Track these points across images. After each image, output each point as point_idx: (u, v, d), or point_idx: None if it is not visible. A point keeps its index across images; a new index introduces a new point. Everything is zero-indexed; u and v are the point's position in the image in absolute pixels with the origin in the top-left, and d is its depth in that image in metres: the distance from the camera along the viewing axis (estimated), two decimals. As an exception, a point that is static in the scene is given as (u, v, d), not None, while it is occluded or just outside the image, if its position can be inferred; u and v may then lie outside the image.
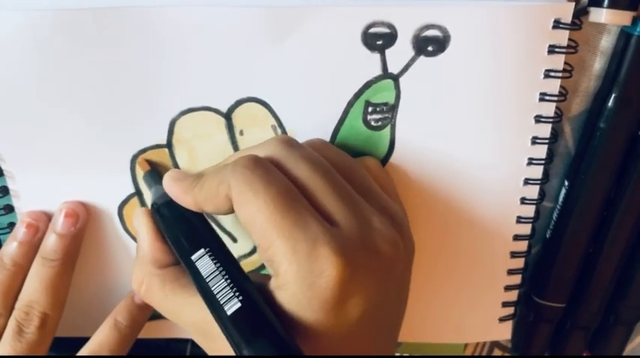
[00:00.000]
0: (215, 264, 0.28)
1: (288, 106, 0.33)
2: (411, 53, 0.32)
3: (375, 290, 0.28)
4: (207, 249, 0.29)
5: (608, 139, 0.34)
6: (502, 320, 0.40)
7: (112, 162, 0.35)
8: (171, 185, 0.31)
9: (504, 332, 0.41)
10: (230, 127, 0.34)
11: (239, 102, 0.33)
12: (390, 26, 0.31)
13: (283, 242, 0.26)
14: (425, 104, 0.33)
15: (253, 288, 0.28)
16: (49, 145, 0.35)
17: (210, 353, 0.30)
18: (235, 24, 0.31)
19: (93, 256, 0.38)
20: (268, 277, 0.28)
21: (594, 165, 0.35)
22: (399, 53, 0.32)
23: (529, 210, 0.36)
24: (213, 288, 0.27)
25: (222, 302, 0.27)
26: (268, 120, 0.34)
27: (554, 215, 0.38)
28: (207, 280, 0.28)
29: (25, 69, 0.32)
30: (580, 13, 0.32)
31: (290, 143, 0.30)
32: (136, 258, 0.33)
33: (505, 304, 0.40)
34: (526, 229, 0.37)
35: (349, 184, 0.30)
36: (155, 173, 0.34)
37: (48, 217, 0.37)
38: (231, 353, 0.27)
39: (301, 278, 0.26)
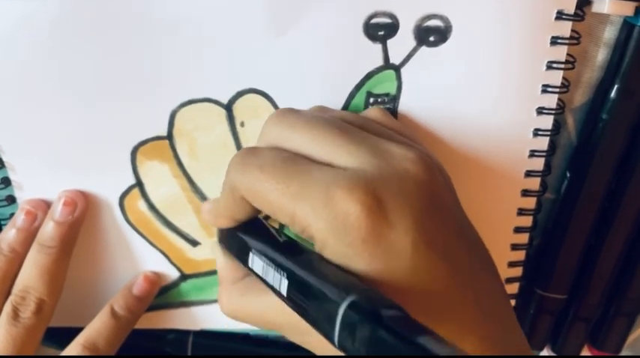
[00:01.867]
0: (261, 258, 0.28)
1: (290, 97, 0.33)
2: (413, 43, 0.32)
3: (421, 218, 0.25)
4: (253, 250, 0.29)
5: (611, 130, 0.34)
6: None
7: (112, 154, 0.35)
8: (207, 217, 0.32)
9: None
10: (231, 119, 0.34)
11: (240, 94, 0.33)
12: (392, 16, 0.31)
13: (300, 206, 0.25)
14: (426, 95, 0.33)
15: (301, 261, 0.26)
16: (49, 136, 0.35)
17: (311, 348, 0.29)
18: (236, 14, 0.31)
19: (93, 246, 0.38)
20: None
21: (597, 156, 0.35)
22: (401, 43, 0.32)
23: (530, 202, 0.36)
24: (268, 280, 0.27)
25: (277, 288, 0.26)
26: (269, 111, 0.34)
27: (556, 207, 0.38)
28: (263, 276, 0.28)
29: (25, 59, 0.32)
30: (583, 4, 0.32)
31: (283, 115, 0.29)
32: (219, 286, 0.34)
33: (506, 296, 0.40)
34: (527, 221, 0.37)
35: None
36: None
37: (47, 205, 0.37)
38: (325, 344, 0.25)
39: (331, 229, 0.24)
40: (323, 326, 0.23)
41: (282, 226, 0.35)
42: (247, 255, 0.29)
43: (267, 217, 0.33)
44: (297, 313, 0.25)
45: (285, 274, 0.26)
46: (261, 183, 0.26)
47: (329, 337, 0.23)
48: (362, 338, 0.21)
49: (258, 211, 0.29)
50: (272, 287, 0.27)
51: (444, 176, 0.28)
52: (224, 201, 0.30)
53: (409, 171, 0.26)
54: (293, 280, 0.25)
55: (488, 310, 0.26)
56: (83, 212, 0.37)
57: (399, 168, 0.26)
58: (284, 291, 0.26)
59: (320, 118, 0.28)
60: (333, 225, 0.24)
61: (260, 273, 0.28)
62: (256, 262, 0.28)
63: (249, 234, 0.30)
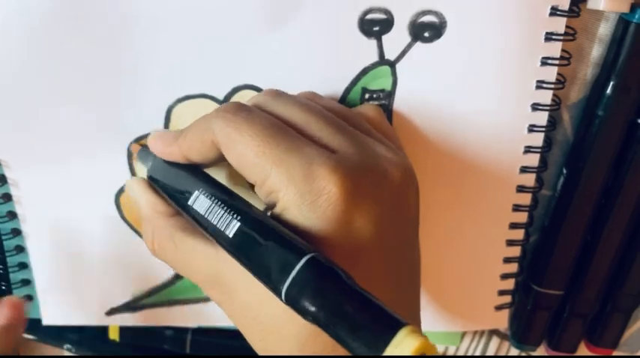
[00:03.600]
0: (210, 198, 0.28)
1: None
2: (408, 39, 0.32)
3: (385, 217, 0.26)
4: (201, 189, 0.28)
5: (607, 127, 0.34)
6: (498, 308, 0.40)
7: (108, 151, 0.35)
8: (155, 141, 0.31)
9: (501, 321, 0.41)
10: None
11: (236, 90, 0.33)
12: (387, 12, 0.31)
13: (278, 170, 0.26)
14: (421, 90, 0.33)
15: (254, 210, 0.27)
16: (44, 134, 0.35)
17: (227, 312, 0.29)
18: (232, 11, 0.31)
19: (90, 245, 0.38)
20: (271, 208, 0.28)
21: (593, 152, 0.35)
22: (396, 39, 0.32)
23: (525, 198, 0.36)
24: (212, 220, 0.27)
25: (222, 229, 0.26)
26: (265, 107, 0.34)
27: (553, 203, 0.38)
28: (206, 216, 0.27)
29: (19, 56, 0.32)
30: (578, 0, 0.32)
31: (276, 92, 0.30)
32: (142, 223, 0.33)
33: (502, 292, 0.40)
34: (522, 218, 0.37)
35: None
36: (147, 150, 0.33)
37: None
38: (251, 304, 0.27)
39: (300, 199, 0.25)
40: (269, 275, 0.24)
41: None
42: (187, 194, 0.29)
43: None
44: (238, 258, 0.26)
45: (237, 216, 0.26)
46: (245, 138, 0.26)
47: (274, 287, 0.23)
48: (316, 291, 0.22)
49: (215, 161, 0.29)
50: (215, 229, 0.27)
51: (415, 188, 0.29)
52: (190, 137, 0.29)
53: (389, 172, 0.27)
54: (247, 223, 0.25)
55: (406, 307, 0.29)
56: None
57: (380, 167, 0.27)
58: (230, 233, 0.26)
59: (315, 106, 0.29)
60: (304, 197, 0.25)
61: (203, 213, 0.27)
62: (201, 201, 0.28)
63: (192, 174, 0.30)
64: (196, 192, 0.28)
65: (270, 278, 0.24)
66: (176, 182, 0.30)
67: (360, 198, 0.26)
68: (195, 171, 0.30)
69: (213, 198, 0.28)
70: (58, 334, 0.42)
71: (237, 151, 0.27)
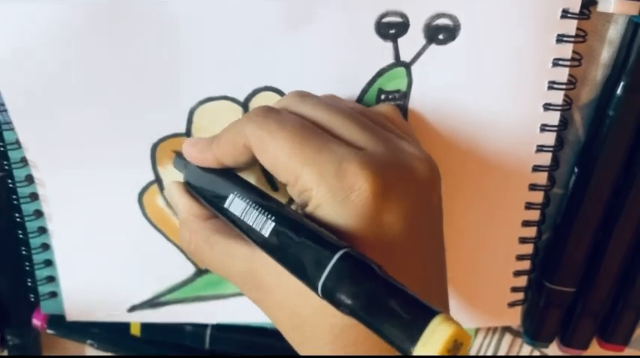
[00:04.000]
0: (245, 201, 0.28)
1: None
2: (423, 41, 0.33)
3: (414, 211, 0.27)
4: (235, 192, 0.29)
5: (617, 126, 0.35)
6: (511, 305, 0.41)
7: (132, 151, 0.36)
8: (189, 149, 0.32)
9: (513, 318, 0.42)
10: None
11: (256, 91, 0.34)
12: (403, 15, 0.32)
13: (309, 169, 0.26)
14: (435, 91, 0.34)
15: (287, 209, 0.28)
16: (71, 134, 0.36)
17: (263, 309, 0.30)
18: (252, 14, 0.32)
19: (113, 243, 0.39)
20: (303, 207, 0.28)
21: (604, 151, 0.36)
22: (411, 42, 0.33)
23: (537, 196, 0.37)
24: (248, 221, 0.28)
25: (258, 229, 0.27)
26: (284, 108, 0.35)
27: (565, 201, 0.39)
28: (242, 217, 0.28)
29: (49, 62, 0.33)
30: (588, 3, 0.33)
31: (303, 93, 0.31)
32: (179, 225, 0.33)
33: (514, 289, 0.40)
34: (535, 215, 0.38)
35: None
36: (182, 156, 0.34)
37: None
38: (287, 300, 0.28)
39: (332, 196, 0.26)
40: (305, 271, 0.24)
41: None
42: (223, 197, 0.30)
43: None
44: (274, 256, 0.26)
45: (272, 217, 0.27)
46: (277, 140, 0.27)
47: (311, 282, 0.24)
48: (351, 284, 0.23)
49: (248, 164, 0.30)
50: (250, 229, 0.27)
51: (439, 183, 0.30)
52: (223, 143, 0.30)
53: (415, 167, 0.28)
54: (282, 223, 0.26)
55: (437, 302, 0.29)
56: None
57: (407, 163, 0.28)
58: (266, 233, 0.26)
59: (340, 106, 0.30)
60: (335, 194, 0.26)
61: (239, 214, 0.28)
62: (236, 204, 0.29)
63: (227, 178, 0.31)
64: (231, 196, 0.29)
65: (306, 275, 0.24)
66: (211, 186, 0.31)
67: (389, 193, 0.26)
68: (229, 175, 0.31)
69: (247, 200, 0.28)
70: (81, 330, 0.43)
71: (270, 153, 0.28)
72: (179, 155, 0.34)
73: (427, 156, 0.29)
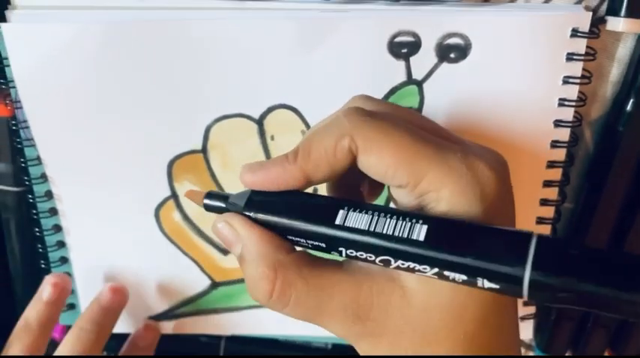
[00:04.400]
0: (365, 212, 0.25)
1: (318, 112, 0.34)
2: (434, 60, 0.33)
3: (512, 197, 0.28)
4: (346, 207, 0.25)
5: (627, 142, 0.35)
6: (523, 319, 0.41)
7: (150, 167, 0.37)
8: (258, 175, 0.27)
9: (525, 331, 0.42)
10: (262, 133, 0.36)
11: (270, 109, 0.35)
12: (415, 35, 0.33)
13: (438, 167, 0.25)
14: (447, 109, 0.35)
15: (424, 214, 0.25)
16: (90, 151, 0.37)
17: (369, 347, 0.27)
18: (267, 35, 0.33)
19: (130, 256, 0.40)
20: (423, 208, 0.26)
21: (613, 167, 0.36)
22: (423, 60, 0.33)
23: (549, 211, 0.37)
24: (385, 231, 0.24)
25: (406, 236, 0.24)
26: (298, 125, 0.35)
27: (575, 216, 0.39)
28: (372, 229, 0.24)
29: (68, 80, 0.34)
30: (598, 22, 0.33)
31: (369, 97, 0.29)
32: (247, 267, 0.27)
33: (526, 303, 0.41)
34: (546, 230, 0.38)
35: None
36: (213, 194, 0.29)
37: (70, 278, 0.40)
38: (392, 331, 0.26)
39: (470, 192, 0.25)
40: (501, 262, 0.22)
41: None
42: (329, 213, 0.25)
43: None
44: (444, 253, 0.23)
45: (421, 221, 0.24)
46: (394, 140, 0.25)
47: (511, 276, 0.22)
48: (561, 269, 0.21)
49: (341, 171, 0.26)
50: (388, 239, 0.24)
51: None
52: (316, 151, 0.26)
53: (500, 159, 0.28)
54: (435, 224, 0.24)
55: None
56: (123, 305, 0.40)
57: (496, 155, 0.28)
58: (422, 236, 0.24)
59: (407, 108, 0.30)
60: (473, 190, 0.25)
61: (364, 227, 0.25)
62: (354, 217, 0.25)
63: (311, 198, 0.27)
64: (342, 211, 0.25)
65: (500, 269, 0.22)
66: (292, 211, 0.26)
67: (505, 183, 0.26)
68: (303, 196, 0.27)
69: (370, 211, 0.25)
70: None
71: (385, 154, 0.25)
72: (212, 196, 0.29)
73: (497, 154, 0.28)
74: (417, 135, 0.26)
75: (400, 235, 0.24)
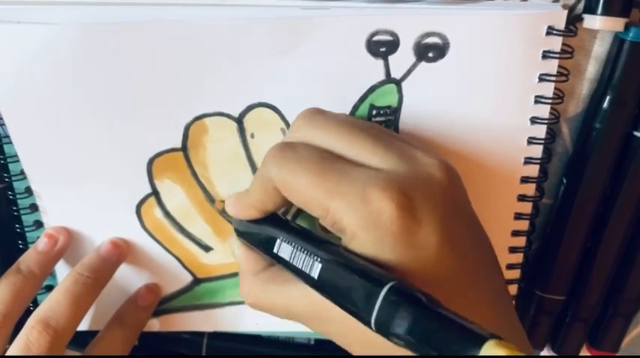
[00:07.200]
0: (290, 244, 0.29)
1: (297, 110, 0.34)
2: (413, 59, 0.34)
3: (444, 219, 0.27)
4: (281, 237, 0.30)
5: (604, 139, 0.36)
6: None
7: (130, 166, 0.37)
8: (232, 209, 0.33)
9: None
10: (242, 131, 0.36)
11: (250, 108, 0.35)
12: (393, 34, 0.33)
13: (336, 201, 0.27)
14: (425, 107, 0.35)
15: (333, 249, 0.28)
16: (69, 150, 0.36)
17: (334, 338, 0.30)
18: (246, 35, 0.33)
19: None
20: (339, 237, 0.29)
21: (591, 163, 0.37)
22: (402, 59, 0.33)
23: (526, 207, 0.38)
24: (297, 265, 0.28)
25: (307, 271, 0.28)
26: (278, 123, 0.35)
27: (554, 211, 0.39)
28: (292, 261, 0.29)
29: (45, 82, 0.34)
30: (575, 20, 0.34)
31: (313, 115, 0.31)
32: (240, 278, 0.34)
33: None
34: (524, 225, 0.38)
35: None
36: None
37: (68, 232, 0.39)
38: (347, 331, 0.28)
39: (364, 223, 0.26)
40: (357, 307, 0.25)
41: (294, 218, 0.37)
42: (272, 243, 0.31)
43: (284, 212, 0.36)
44: (327, 295, 0.27)
45: (318, 258, 0.27)
46: (298, 177, 0.28)
47: (363, 318, 0.25)
48: (402, 318, 0.23)
49: (286, 203, 0.30)
50: (300, 272, 0.28)
51: (462, 183, 0.30)
52: (256, 192, 0.31)
53: (434, 176, 0.28)
54: (328, 263, 0.27)
55: (492, 298, 0.29)
56: (125, 256, 0.40)
57: (425, 173, 0.28)
58: (315, 274, 0.27)
59: (348, 120, 0.31)
60: (367, 220, 0.26)
61: (288, 258, 0.29)
62: (284, 248, 0.30)
63: (272, 225, 0.32)
64: (278, 241, 0.30)
65: (358, 311, 0.25)
66: (259, 233, 0.32)
67: (416, 208, 0.26)
68: (273, 219, 0.32)
69: (292, 243, 0.29)
70: (80, 339, 0.44)
71: (296, 191, 0.28)
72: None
73: (442, 160, 0.29)
74: (323, 168, 0.28)
75: (303, 270, 0.28)
